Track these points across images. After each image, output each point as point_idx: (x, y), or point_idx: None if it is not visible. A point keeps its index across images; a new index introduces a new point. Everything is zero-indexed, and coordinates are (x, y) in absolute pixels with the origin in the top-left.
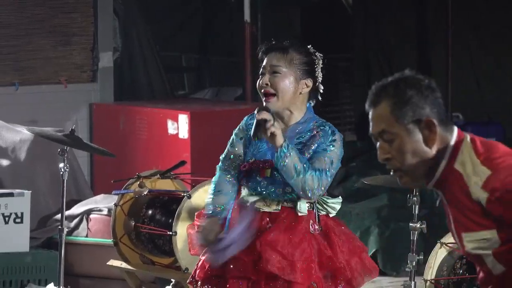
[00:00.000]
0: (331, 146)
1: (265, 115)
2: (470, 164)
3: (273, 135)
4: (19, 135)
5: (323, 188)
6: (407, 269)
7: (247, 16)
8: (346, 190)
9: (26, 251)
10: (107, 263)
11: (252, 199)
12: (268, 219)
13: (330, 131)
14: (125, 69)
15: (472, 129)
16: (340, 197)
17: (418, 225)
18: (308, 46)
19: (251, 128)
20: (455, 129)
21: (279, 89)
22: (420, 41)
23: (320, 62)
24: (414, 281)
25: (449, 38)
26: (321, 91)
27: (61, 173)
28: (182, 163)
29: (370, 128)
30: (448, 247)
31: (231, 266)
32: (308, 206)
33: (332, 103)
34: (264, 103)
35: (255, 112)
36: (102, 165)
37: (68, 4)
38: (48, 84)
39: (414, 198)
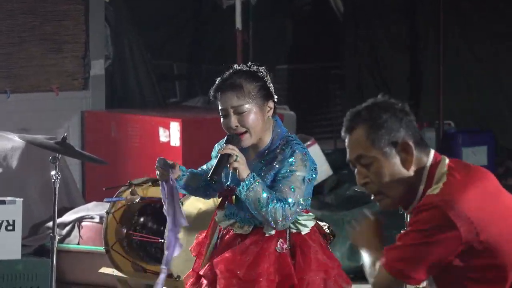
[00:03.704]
0: (291, 171)
1: (228, 150)
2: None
3: (235, 170)
4: (10, 142)
5: (288, 219)
6: None
7: (238, 24)
8: (338, 198)
9: (18, 258)
10: (99, 271)
11: (227, 222)
12: (239, 239)
13: (289, 153)
14: (116, 77)
15: (464, 137)
16: (311, 213)
17: None
18: (250, 65)
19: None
20: (431, 151)
21: (248, 126)
22: (411, 49)
23: (268, 76)
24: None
25: (440, 46)
26: (276, 100)
27: (53, 180)
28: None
29: (347, 155)
30: None
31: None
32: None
33: (323, 111)
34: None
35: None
36: (93, 172)
37: (60, 12)
38: (39, 92)
39: None
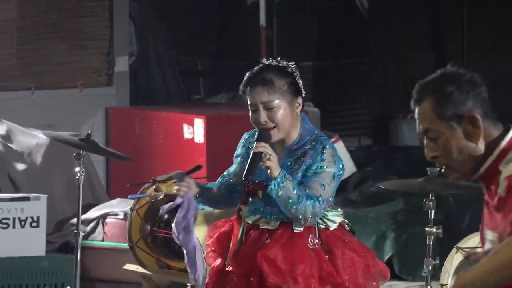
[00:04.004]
0: (322, 167)
1: (260, 148)
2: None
3: (267, 168)
4: (35, 139)
5: (317, 216)
6: (423, 274)
7: (262, 20)
8: (362, 194)
9: (42, 255)
10: (123, 267)
11: (253, 218)
12: (267, 234)
13: (320, 148)
14: (141, 73)
15: None
16: (339, 209)
17: (434, 230)
18: (279, 60)
19: (251, 149)
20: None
21: (278, 122)
22: (435, 45)
23: (297, 72)
24: (430, 285)
25: (465, 42)
26: (304, 95)
27: (77, 177)
28: (198, 167)
29: (417, 127)
30: (464, 252)
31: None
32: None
33: (348, 108)
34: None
35: (256, 135)
36: (118, 169)
37: (84, 8)
38: (64, 89)
39: (430, 203)
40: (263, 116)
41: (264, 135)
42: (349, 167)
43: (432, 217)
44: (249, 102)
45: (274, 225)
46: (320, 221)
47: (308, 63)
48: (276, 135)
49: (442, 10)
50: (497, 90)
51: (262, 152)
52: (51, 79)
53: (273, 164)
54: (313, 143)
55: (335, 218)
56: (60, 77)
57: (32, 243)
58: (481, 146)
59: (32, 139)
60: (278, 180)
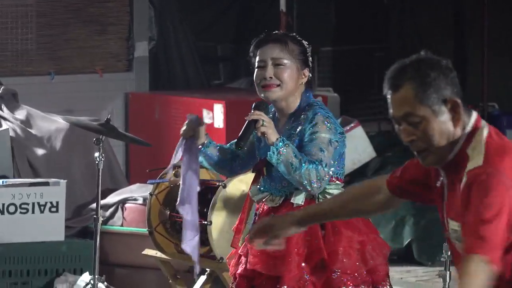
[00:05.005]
0: (315, 133)
1: (255, 115)
2: (477, 151)
3: (263, 134)
4: (54, 124)
5: (323, 180)
6: (442, 259)
7: (282, 6)
8: None
9: (61, 240)
10: (142, 253)
11: (260, 196)
12: (272, 213)
13: (311, 115)
14: (160, 58)
15: (508, 119)
16: (339, 182)
17: None
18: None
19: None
20: (474, 113)
21: (283, 80)
22: (456, 30)
23: (310, 50)
24: (449, 270)
25: (485, 27)
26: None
27: (97, 162)
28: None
29: (391, 112)
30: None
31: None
32: (306, 196)
33: (367, 93)
34: (263, 94)
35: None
36: (137, 154)
37: None
38: (83, 74)
39: None
40: (270, 71)
41: (260, 105)
42: (369, 152)
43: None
44: (257, 59)
45: (278, 202)
46: (319, 195)
47: (327, 48)
48: (277, 93)
49: None
50: None
51: (256, 120)
52: (70, 64)
53: (268, 129)
54: (306, 111)
55: (335, 192)
56: (79, 62)
57: (51, 228)
58: (458, 130)
59: (52, 124)
60: (278, 145)
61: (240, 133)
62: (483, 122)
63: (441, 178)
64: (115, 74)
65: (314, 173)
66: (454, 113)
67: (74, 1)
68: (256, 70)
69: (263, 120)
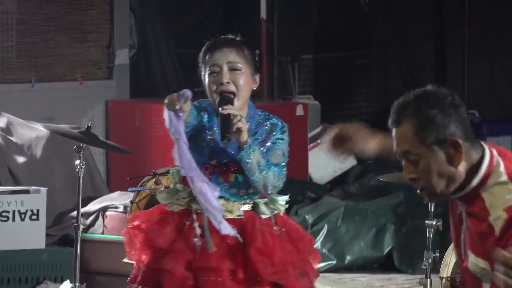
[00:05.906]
0: (282, 139)
1: (230, 110)
2: (498, 190)
3: (239, 130)
4: (35, 132)
5: (282, 183)
6: (423, 267)
7: (263, 13)
8: (362, 187)
9: (42, 248)
10: (123, 260)
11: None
12: (233, 226)
13: (280, 123)
14: (141, 66)
15: (488, 127)
16: (285, 196)
17: (434, 223)
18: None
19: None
20: (486, 150)
21: (239, 86)
22: (437, 37)
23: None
24: (430, 278)
25: (466, 34)
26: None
27: (77, 170)
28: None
29: (394, 147)
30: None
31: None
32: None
33: (348, 101)
34: (222, 98)
35: (217, 100)
36: (118, 162)
37: (85, 1)
38: (64, 81)
39: None
40: (226, 76)
41: (226, 99)
42: (350, 160)
43: (432, 210)
44: (211, 64)
45: (239, 214)
46: (273, 206)
47: (308, 56)
48: (235, 104)
49: (444, 1)
50: (499, 85)
51: (231, 114)
52: (51, 72)
53: (244, 126)
54: (270, 121)
55: (283, 203)
56: (60, 70)
57: (32, 236)
58: (461, 169)
59: (32, 132)
60: (249, 145)
61: (222, 127)
62: (495, 154)
63: (459, 207)
64: (96, 82)
65: (277, 175)
66: (455, 152)
67: (54, 8)
68: (208, 76)
69: (240, 116)
